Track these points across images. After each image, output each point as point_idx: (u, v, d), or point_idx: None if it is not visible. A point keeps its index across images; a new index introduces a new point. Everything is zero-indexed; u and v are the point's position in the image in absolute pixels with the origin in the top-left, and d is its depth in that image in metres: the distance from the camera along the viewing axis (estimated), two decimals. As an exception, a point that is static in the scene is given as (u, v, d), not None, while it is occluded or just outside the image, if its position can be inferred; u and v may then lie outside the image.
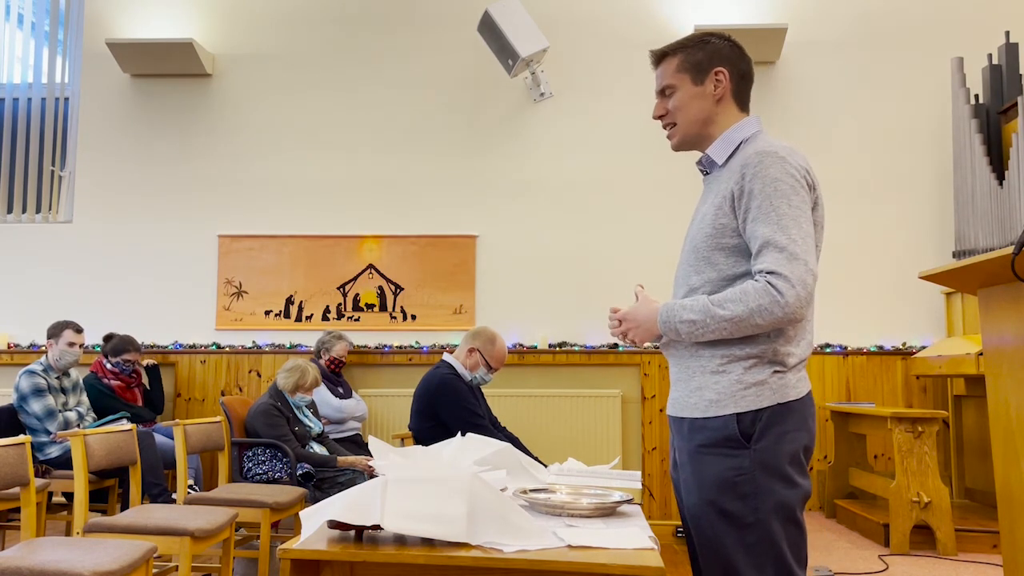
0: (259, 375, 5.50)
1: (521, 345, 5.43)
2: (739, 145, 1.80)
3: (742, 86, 1.84)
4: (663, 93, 1.87)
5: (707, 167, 1.87)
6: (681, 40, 1.86)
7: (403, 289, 5.55)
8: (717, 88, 1.81)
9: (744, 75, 1.84)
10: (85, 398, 4.65)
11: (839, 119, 5.50)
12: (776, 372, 1.69)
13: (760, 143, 1.74)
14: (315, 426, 4.48)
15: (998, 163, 4.99)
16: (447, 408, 3.79)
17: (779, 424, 1.67)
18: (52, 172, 5.87)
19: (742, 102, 1.85)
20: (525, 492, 2.15)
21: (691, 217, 2.05)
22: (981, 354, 3.11)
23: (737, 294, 1.65)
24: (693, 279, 1.78)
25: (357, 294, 5.56)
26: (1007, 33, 5.08)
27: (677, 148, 1.89)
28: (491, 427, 3.99)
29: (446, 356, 3.99)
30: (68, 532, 4.33)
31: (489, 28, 5.13)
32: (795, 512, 1.67)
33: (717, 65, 1.81)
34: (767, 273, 1.63)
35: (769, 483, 1.65)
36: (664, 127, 1.88)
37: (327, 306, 5.56)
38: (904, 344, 5.34)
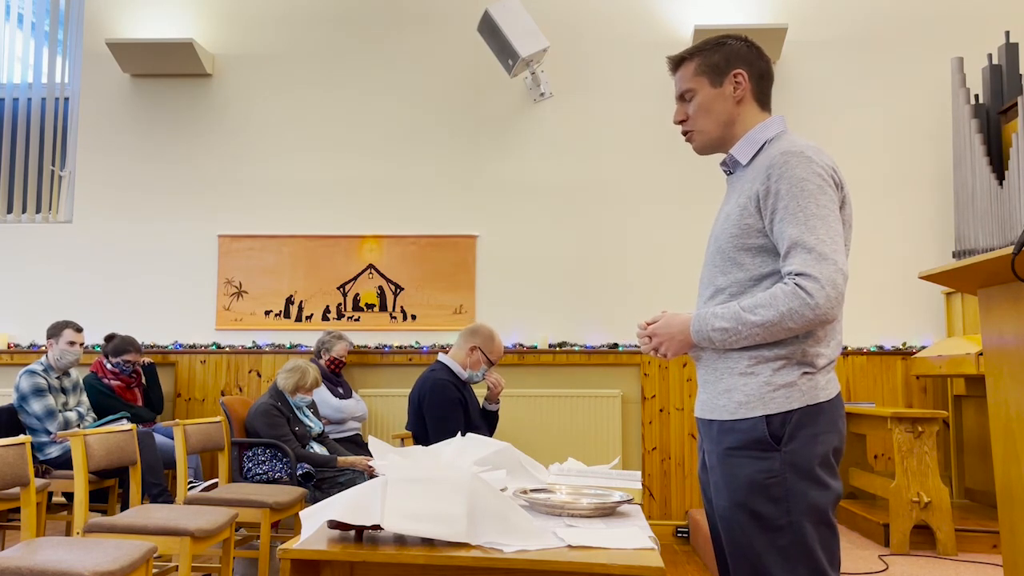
0: (259, 375, 5.50)
1: (521, 345, 5.43)
2: (763, 145, 1.79)
3: (762, 86, 1.84)
4: (683, 98, 1.87)
5: (731, 167, 1.86)
6: (698, 44, 1.86)
7: (403, 289, 5.55)
8: (737, 90, 1.81)
9: (763, 75, 1.84)
10: (85, 398, 4.66)
11: (839, 119, 5.50)
12: (805, 373, 1.68)
13: (785, 143, 1.73)
14: (315, 426, 4.48)
15: (998, 163, 4.99)
16: (429, 412, 3.81)
17: (809, 426, 1.66)
18: (52, 172, 5.87)
19: (763, 102, 1.84)
20: (525, 492, 2.15)
21: (714, 217, 2.04)
22: (981, 354, 3.10)
23: (767, 298, 1.64)
24: (719, 280, 1.76)
25: (357, 294, 5.56)
26: (1007, 33, 5.07)
27: (700, 151, 1.89)
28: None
29: (441, 357, 3.99)
30: (68, 532, 4.33)
31: (489, 28, 5.13)
32: (827, 514, 1.66)
33: (735, 66, 1.81)
34: (796, 275, 1.62)
35: (801, 485, 1.64)
36: (684, 132, 1.88)
37: (327, 306, 5.56)
38: (904, 344, 5.34)
